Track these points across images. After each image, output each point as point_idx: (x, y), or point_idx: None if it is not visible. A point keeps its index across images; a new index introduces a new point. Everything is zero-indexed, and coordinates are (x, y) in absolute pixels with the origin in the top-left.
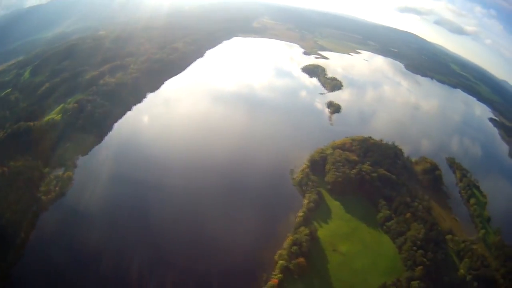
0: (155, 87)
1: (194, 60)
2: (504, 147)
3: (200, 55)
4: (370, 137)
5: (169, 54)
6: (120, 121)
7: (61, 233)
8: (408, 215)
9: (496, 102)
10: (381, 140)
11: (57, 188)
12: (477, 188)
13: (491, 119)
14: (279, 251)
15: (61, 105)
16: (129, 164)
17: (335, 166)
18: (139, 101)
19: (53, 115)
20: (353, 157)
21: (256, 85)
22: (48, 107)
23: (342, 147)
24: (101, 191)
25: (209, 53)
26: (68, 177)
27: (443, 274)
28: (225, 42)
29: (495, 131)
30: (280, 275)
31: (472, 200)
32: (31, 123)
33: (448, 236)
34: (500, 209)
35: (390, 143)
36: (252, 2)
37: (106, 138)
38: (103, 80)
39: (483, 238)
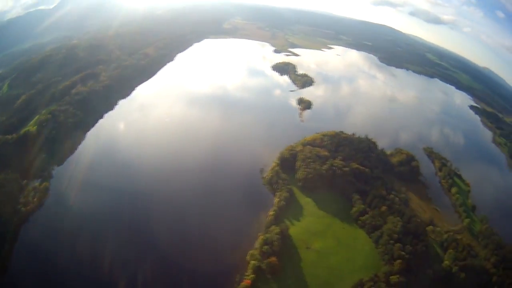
0: (126, 93)
1: (165, 64)
2: (487, 133)
3: (171, 59)
4: (342, 132)
5: (140, 59)
6: (92, 130)
7: (42, 243)
8: (384, 208)
9: (477, 89)
10: (353, 134)
11: (35, 199)
12: (459, 176)
13: (472, 107)
14: (251, 251)
15: (37, 117)
16: (103, 171)
17: (305, 162)
18: (111, 108)
19: (30, 127)
20: (324, 152)
21: (226, 86)
22: (25, 119)
23: (312, 143)
24: (76, 199)
25: (179, 57)
26: (45, 187)
27: (426, 267)
28: (195, 45)
29: (476, 118)
30: (253, 275)
31: (454, 189)
32: (9, 136)
33: (429, 228)
34: (485, 196)
35: (363, 136)
36: (224, 2)
37: (80, 147)
38: (75, 89)
39: (468, 227)
